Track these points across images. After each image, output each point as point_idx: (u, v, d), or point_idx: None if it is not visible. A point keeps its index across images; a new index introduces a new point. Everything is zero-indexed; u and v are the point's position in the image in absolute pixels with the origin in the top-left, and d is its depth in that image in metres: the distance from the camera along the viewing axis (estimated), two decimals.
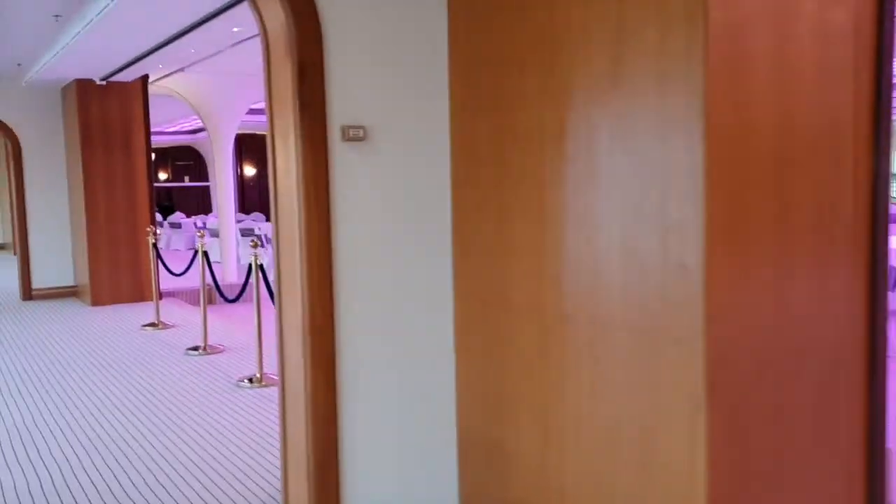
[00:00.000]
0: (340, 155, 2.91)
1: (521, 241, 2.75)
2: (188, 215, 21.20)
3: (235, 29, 7.05)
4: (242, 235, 15.58)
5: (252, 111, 12.31)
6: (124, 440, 4.71)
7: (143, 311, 9.15)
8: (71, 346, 7.44)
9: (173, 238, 18.19)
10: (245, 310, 7.95)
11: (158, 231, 10.04)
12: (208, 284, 7.29)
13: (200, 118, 11.03)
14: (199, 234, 7.37)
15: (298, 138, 2.82)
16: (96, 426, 4.99)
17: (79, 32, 6.95)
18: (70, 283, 10.41)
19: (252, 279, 6.16)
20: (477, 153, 2.97)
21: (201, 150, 22.90)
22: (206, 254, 7.22)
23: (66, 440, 4.74)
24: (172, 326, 8.25)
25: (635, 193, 2.32)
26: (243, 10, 6.35)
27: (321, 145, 2.85)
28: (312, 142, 2.84)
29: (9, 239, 17.66)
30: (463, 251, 3.10)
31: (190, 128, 20.53)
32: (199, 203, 23.52)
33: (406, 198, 3.06)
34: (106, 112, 9.53)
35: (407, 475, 3.16)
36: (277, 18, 2.86)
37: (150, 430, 4.88)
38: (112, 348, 7.30)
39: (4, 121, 9.98)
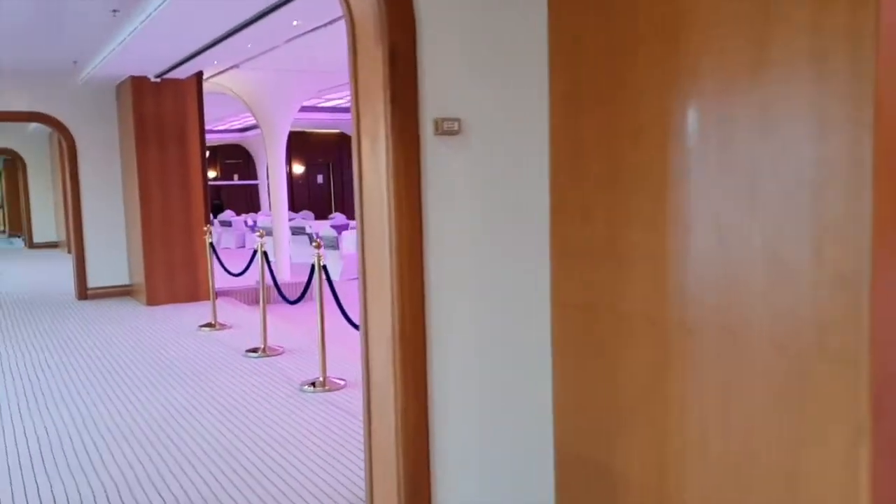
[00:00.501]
0: (433, 150, 2.68)
1: (635, 244, 2.49)
2: (237, 213, 21.29)
3: (295, 22, 6.89)
4: (293, 234, 15.54)
5: (302, 108, 12.20)
6: (190, 448, 4.56)
7: (199, 311, 9.07)
8: (129, 347, 7.37)
9: (223, 236, 18.25)
10: (300, 310, 7.81)
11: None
12: (267, 285, 7.16)
13: (253, 115, 10.94)
14: (258, 233, 7.24)
15: (389, 133, 2.60)
16: (160, 432, 4.86)
17: (136, 28, 6.85)
18: (125, 282, 10.41)
19: (308, 279, 6.00)
20: (581, 148, 2.71)
21: (250, 149, 22.99)
22: (265, 253, 7.08)
23: (130, 447, 4.61)
24: (229, 327, 8.15)
25: (781, 192, 2.04)
26: (304, 2, 6.18)
27: (413, 140, 2.63)
28: (403, 136, 2.61)
29: (62, 237, 17.90)
30: (563, 254, 2.85)
31: (239, 126, 20.59)
32: (248, 201, 23.61)
33: (502, 196, 2.82)
34: (160, 110, 9.47)
35: (500, 492, 2.92)
36: (366, 1, 2.64)
37: (216, 438, 4.72)
38: (170, 350, 7.21)
39: (60, 119, 9.99)
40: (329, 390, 5.70)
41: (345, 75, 11.15)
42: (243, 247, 18.84)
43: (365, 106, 2.76)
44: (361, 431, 4.72)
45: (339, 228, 15.17)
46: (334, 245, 13.39)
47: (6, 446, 4.68)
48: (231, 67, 9.55)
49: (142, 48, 7.62)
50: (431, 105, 2.67)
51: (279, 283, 7.27)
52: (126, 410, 5.32)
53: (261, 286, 7.04)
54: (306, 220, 18.73)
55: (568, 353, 2.84)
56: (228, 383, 5.96)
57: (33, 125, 16.20)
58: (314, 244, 6.01)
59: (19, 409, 5.46)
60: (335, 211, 21.94)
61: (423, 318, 2.67)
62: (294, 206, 23.60)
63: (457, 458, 2.82)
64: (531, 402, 2.92)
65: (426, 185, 2.67)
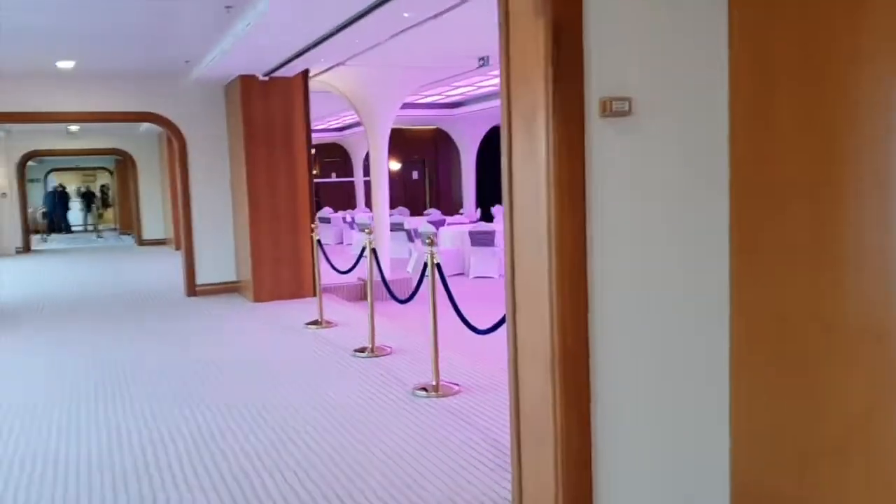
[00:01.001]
0: (598, 134, 2.35)
1: (855, 243, 2.09)
2: (335, 210, 21.48)
3: (406, 14, 6.67)
4: (391, 230, 15.46)
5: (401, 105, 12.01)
6: (305, 456, 4.38)
7: (304, 309, 9.01)
8: (238, 344, 7.33)
9: (322, 232, 18.31)
10: (404, 307, 7.59)
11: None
12: (364, 281, 6.97)
13: (356, 112, 10.85)
14: (366, 230, 7.07)
15: (550, 116, 2.28)
16: (273, 437, 4.71)
17: (249, 23, 6.78)
18: (232, 278, 10.50)
19: (420, 277, 5.76)
20: (774, 131, 2.32)
21: (348, 147, 23.16)
22: (374, 251, 6.89)
23: (245, 453, 4.47)
24: (335, 325, 8.02)
25: None
26: None
27: (577, 123, 2.31)
28: (567, 119, 2.29)
29: (170, 234, 18.44)
30: (747, 251, 2.46)
31: (338, 125, 20.74)
32: (345, 198, 23.81)
33: (674, 186, 2.45)
34: (268, 108, 9.47)
35: None
36: None
37: (331, 444, 4.53)
38: (279, 348, 7.12)
39: (172, 119, 10.15)
40: (443, 396, 5.43)
41: (448, 70, 10.90)
42: (341, 243, 18.95)
43: (520, 86, 2.45)
44: (485, 443, 4.45)
45: (436, 224, 14.99)
46: (432, 242, 13.20)
47: (129, 452, 4.63)
48: (337, 65, 9.45)
49: (253, 45, 7.58)
50: (597, 84, 2.34)
51: (388, 280, 7.09)
52: (239, 413, 5.21)
53: (368, 284, 6.87)
54: (402, 216, 18.66)
55: (753, 370, 2.46)
56: (339, 385, 5.78)
57: (144, 126, 16.71)
58: (427, 241, 5.75)
59: (134, 414, 5.44)
60: (430, 207, 21.81)
61: (586, 332, 2.34)
62: (389, 203, 23.66)
63: (622, 491, 2.47)
64: (704, 424, 2.55)
65: (590, 173, 2.34)
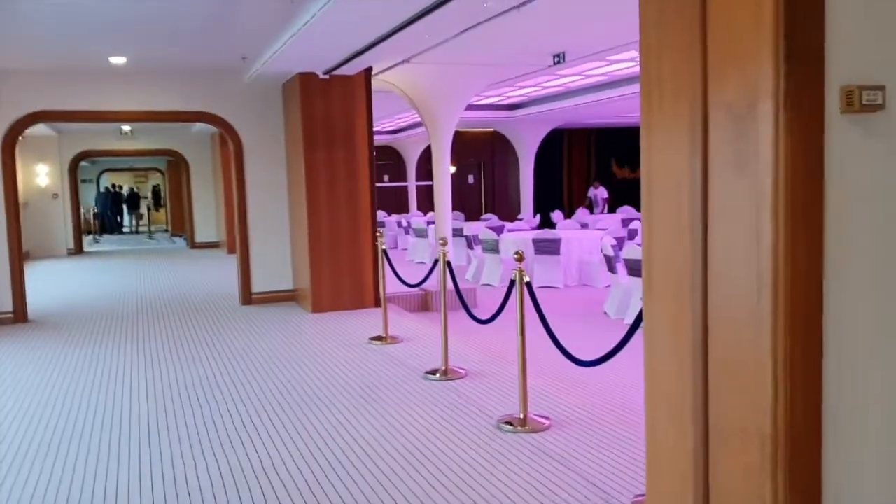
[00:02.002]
0: (838, 137, 1.69)
1: None
2: (388, 214, 21.01)
3: (487, 3, 6.06)
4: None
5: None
6: (379, 498, 3.79)
7: (367, 321, 8.47)
8: (299, 362, 6.80)
9: None
10: (471, 322, 6.94)
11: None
12: (426, 291, 6.37)
13: (419, 113, 10.28)
14: (440, 240, 6.47)
15: (781, 109, 1.63)
16: (342, 472, 4.13)
17: (313, 16, 6.25)
18: (289, 287, 10.02)
19: (506, 293, 5.11)
20: None
21: (401, 150, 22.69)
22: (448, 264, 6.29)
23: (310, 490, 3.89)
24: (401, 340, 7.45)
25: None
26: None
27: (816, 121, 1.65)
28: (802, 115, 1.64)
29: (222, 237, 18.14)
30: None
31: (391, 128, 20.27)
32: (395, 202, 23.33)
33: None
34: (328, 108, 8.96)
35: None
36: None
37: (413, 490, 3.93)
38: (342, 367, 6.57)
39: (228, 120, 9.71)
40: (533, 431, 4.80)
41: (517, 68, 10.22)
42: (395, 247, 18.42)
43: (726, 66, 1.80)
44: (593, 495, 3.77)
45: (496, 230, 14.34)
46: (494, 249, 12.57)
47: (182, 479, 4.10)
48: (401, 62, 8.89)
49: (316, 40, 7.06)
50: (840, 68, 1.68)
51: (462, 292, 6.48)
52: (301, 440, 4.65)
53: (441, 299, 6.26)
54: (458, 220, 18.07)
55: None
56: (414, 414, 5.19)
57: (197, 126, 16.45)
58: (516, 256, 5.11)
59: (190, 442, 4.92)
60: (486, 211, 21.13)
61: (819, 412, 1.67)
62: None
63: None
64: None
65: (829, 185, 1.68)
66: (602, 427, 4.84)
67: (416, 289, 9.84)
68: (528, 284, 5.01)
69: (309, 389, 5.89)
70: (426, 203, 25.40)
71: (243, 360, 6.94)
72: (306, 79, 8.83)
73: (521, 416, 4.93)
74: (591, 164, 23.57)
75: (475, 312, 6.14)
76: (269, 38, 7.61)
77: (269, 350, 7.30)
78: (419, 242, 15.61)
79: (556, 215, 18.13)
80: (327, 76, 8.84)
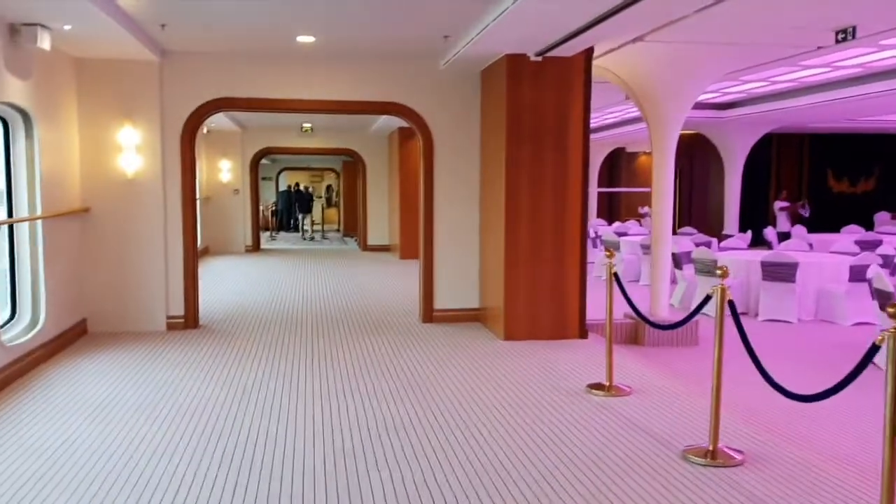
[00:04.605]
0: None
1: None
2: None
3: None
4: (644, 252, 13.00)
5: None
6: None
7: (574, 358, 6.92)
8: (497, 413, 5.34)
9: None
10: (701, 362, 5.19)
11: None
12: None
13: (639, 106, 8.57)
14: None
15: None
16: None
17: None
18: (475, 305, 8.65)
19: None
20: None
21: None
22: (731, 302, 4.57)
23: None
24: (629, 392, 5.81)
25: None
26: None
27: None
28: None
29: (395, 241, 17.27)
30: None
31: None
32: None
33: None
34: (538, 97, 7.49)
35: None
36: None
37: None
38: (563, 428, 5.02)
39: (419, 112, 8.50)
40: None
41: (778, 49, 8.02)
42: None
43: None
44: None
45: (704, 246, 12.27)
46: (710, 270, 10.57)
47: None
48: (632, 41, 7.25)
49: (534, 10, 5.61)
50: None
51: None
52: None
53: (716, 350, 4.56)
54: (639, 232, 16.07)
55: None
56: None
57: (376, 124, 15.61)
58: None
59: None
60: (681, 224, 18.83)
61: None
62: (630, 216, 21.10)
63: None
64: None
65: None
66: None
67: (622, 316, 8.20)
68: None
69: (525, 459, 4.40)
70: (606, 212, 23.48)
71: (431, 399, 5.58)
72: (515, 61, 7.41)
73: None
74: (802, 176, 20.65)
75: (697, 348, 4.70)
76: (477, 12, 6.25)
77: (454, 386, 5.91)
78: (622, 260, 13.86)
79: (770, 232, 15.71)
80: (540, 58, 7.38)
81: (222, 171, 17.53)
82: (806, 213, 17.26)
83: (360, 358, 6.96)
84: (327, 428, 4.94)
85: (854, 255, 11.23)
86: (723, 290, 4.40)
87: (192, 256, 8.20)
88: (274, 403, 5.49)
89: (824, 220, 18.11)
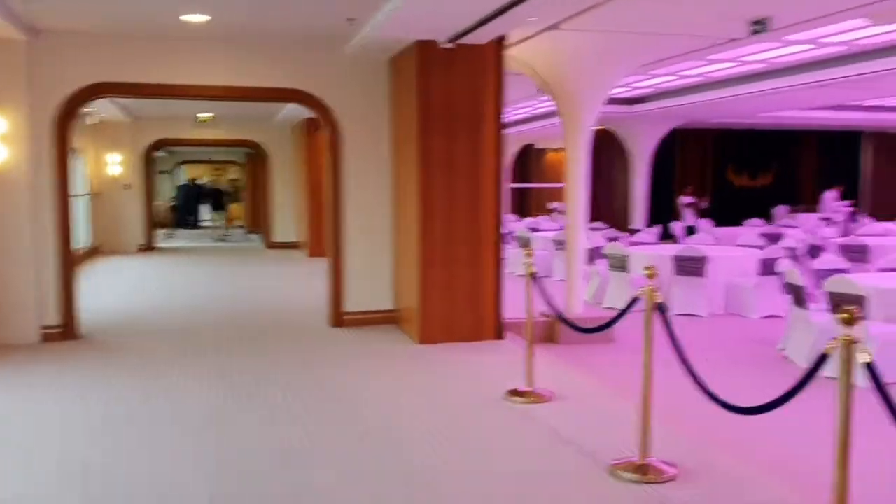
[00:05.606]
0: None
1: None
2: None
3: None
4: (557, 248, 12.83)
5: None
6: None
7: (492, 361, 6.57)
8: (417, 425, 4.92)
9: None
10: (624, 362, 4.95)
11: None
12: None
13: (554, 98, 8.27)
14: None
15: None
16: None
17: None
18: (388, 307, 8.18)
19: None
20: None
21: None
22: (661, 304, 4.28)
23: None
24: (550, 397, 5.47)
25: None
26: None
27: None
28: None
29: (302, 238, 16.57)
30: None
31: None
32: None
33: None
34: (450, 85, 7.08)
35: None
36: None
37: None
38: (482, 443, 4.64)
39: (324, 100, 7.94)
40: None
41: (692, 41, 7.72)
42: None
43: None
44: None
45: (615, 241, 12.19)
46: (622, 266, 10.47)
47: None
48: (547, 28, 6.95)
49: None
50: None
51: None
52: None
53: (645, 352, 4.26)
54: (551, 227, 15.97)
55: None
56: None
57: (280, 114, 14.89)
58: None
59: None
60: (591, 219, 18.78)
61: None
62: (522, 213, 21.10)
63: None
64: None
65: None
66: None
67: (539, 315, 7.91)
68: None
69: (442, 480, 3.98)
70: (519, 208, 23.42)
71: (339, 418, 5.10)
72: (425, 48, 6.97)
73: None
74: (705, 171, 21.13)
75: (613, 345, 4.49)
76: None
77: (372, 403, 5.44)
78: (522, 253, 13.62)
79: (677, 227, 15.90)
80: (451, 45, 6.96)
81: (112, 165, 16.36)
82: (704, 205, 17.75)
83: (260, 370, 6.37)
84: (210, 463, 4.38)
85: (759, 248, 11.38)
86: (651, 293, 4.15)
87: (67, 258, 7.38)
88: (153, 432, 4.86)
89: (727, 214, 18.53)
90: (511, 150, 21.34)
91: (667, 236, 15.68)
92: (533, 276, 5.59)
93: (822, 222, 16.79)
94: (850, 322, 2.78)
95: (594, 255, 11.63)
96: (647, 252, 10.93)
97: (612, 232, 14.23)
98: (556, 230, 14.46)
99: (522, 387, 5.55)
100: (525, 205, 24.35)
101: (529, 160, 24.02)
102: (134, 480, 4.00)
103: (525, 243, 13.80)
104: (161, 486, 3.92)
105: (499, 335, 7.41)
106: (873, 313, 6.53)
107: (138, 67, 7.47)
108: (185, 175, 28.63)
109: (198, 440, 4.63)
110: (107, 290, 10.92)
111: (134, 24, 6.96)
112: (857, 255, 11.61)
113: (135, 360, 6.69)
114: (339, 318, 8.08)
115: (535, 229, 15.63)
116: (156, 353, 6.98)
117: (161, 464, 4.24)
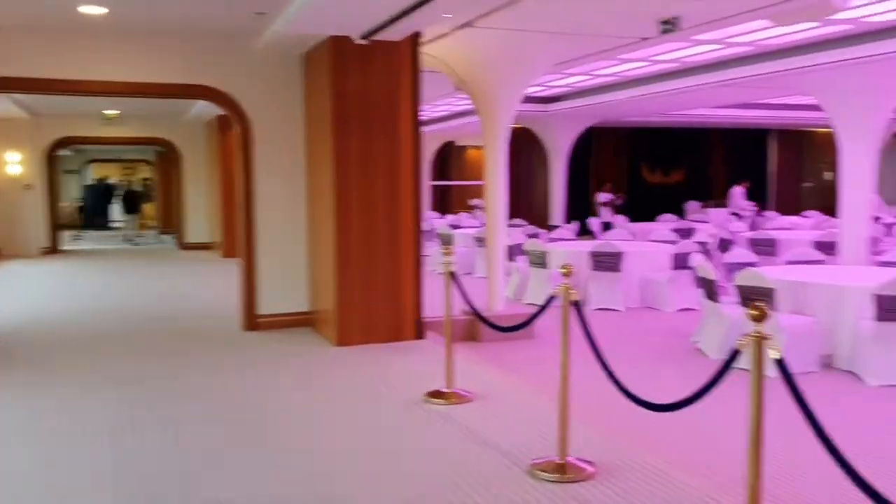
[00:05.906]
0: None
1: None
2: None
3: None
4: (479, 246, 12.84)
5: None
6: None
7: (411, 361, 6.48)
8: (333, 434, 4.78)
9: None
10: (545, 356, 4.97)
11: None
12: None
13: (471, 96, 8.22)
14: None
15: None
16: None
17: None
18: (304, 308, 7.98)
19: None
20: None
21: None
22: (576, 302, 4.27)
23: None
24: (470, 398, 5.41)
25: None
26: None
27: None
28: None
29: (217, 238, 16.08)
30: None
31: None
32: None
33: None
34: (366, 82, 6.94)
35: None
36: None
37: None
38: (401, 449, 4.54)
39: (233, 96, 7.67)
40: None
41: (606, 40, 7.66)
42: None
43: None
44: None
45: (534, 238, 12.30)
46: (542, 262, 10.56)
47: None
48: (463, 25, 6.88)
49: None
50: None
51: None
52: None
53: (563, 348, 4.24)
54: (472, 224, 16.01)
55: None
56: None
57: (191, 111, 14.41)
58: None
59: None
60: (511, 216, 18.94)
61: None
62: (446, 210, 21.12)
63: None
64: None
65: None
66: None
67: (459, 312, 7.86)
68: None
69: (361, 493, 3.86)
70: (440, 205, 23.38)
71: (249, 431, 4.90)
72: (339, 43, 6.81)
73: None
74: (620, 168, 21.60)
75: (534, 340, 4.46)
76: None
77: (286, 412, 5.26)
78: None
79: (594, 223, 16.16)
80: (366, 41, 6.82)
81: (10, 164, 15.48)
82: (620, 202, 18.14)
83: (166, 380, 6.08)
84: (107, 480, 4.13)
85: (671, 242, 11.66)
86: (567, 290, 4.14)
87: None
88: (46, 444, 4.56)
89: (641, 210, 18.97)
90: (431, 148, 21.29)
91: (585, 232, 15.93)
92: (452, 275, 5.51)
93: (732, 217, 17.37)
94: (759, 318, 2.80)
95: (515, 251, 11.67)
96: (566, 248, 11.04)
97: (532, 229, 14.35)
98: (477, 227, 14.49)
99: (443, 388, 5.48)
100: (446, 202, 24.34)
101: (450, 157, 24.01)
102: (21, 492, 3.72)
103: (447, 241, 13.77)
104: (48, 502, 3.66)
105: (419, 335, 7.32)
106: (782, 305, 6.74)
107: (36, 62, 7.04)
108: (93, 174, 27.44)
109: (103, 452, 4.36)
110: (4, 296, 10.30)
111: (31, 15, 6.54)
112: (766, 248, 12.03)
113: (31, 369, 6.30)
114: (253, 322, 7.83)
115: (456, 227, 15.62)
116: (53, 361, 6.59)
117: (52, 478, 3.96)
